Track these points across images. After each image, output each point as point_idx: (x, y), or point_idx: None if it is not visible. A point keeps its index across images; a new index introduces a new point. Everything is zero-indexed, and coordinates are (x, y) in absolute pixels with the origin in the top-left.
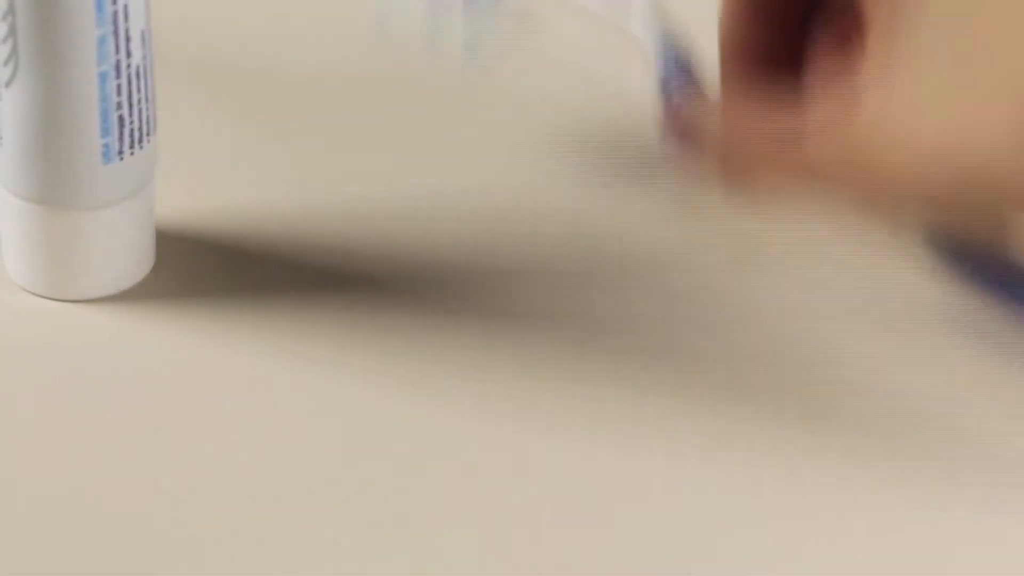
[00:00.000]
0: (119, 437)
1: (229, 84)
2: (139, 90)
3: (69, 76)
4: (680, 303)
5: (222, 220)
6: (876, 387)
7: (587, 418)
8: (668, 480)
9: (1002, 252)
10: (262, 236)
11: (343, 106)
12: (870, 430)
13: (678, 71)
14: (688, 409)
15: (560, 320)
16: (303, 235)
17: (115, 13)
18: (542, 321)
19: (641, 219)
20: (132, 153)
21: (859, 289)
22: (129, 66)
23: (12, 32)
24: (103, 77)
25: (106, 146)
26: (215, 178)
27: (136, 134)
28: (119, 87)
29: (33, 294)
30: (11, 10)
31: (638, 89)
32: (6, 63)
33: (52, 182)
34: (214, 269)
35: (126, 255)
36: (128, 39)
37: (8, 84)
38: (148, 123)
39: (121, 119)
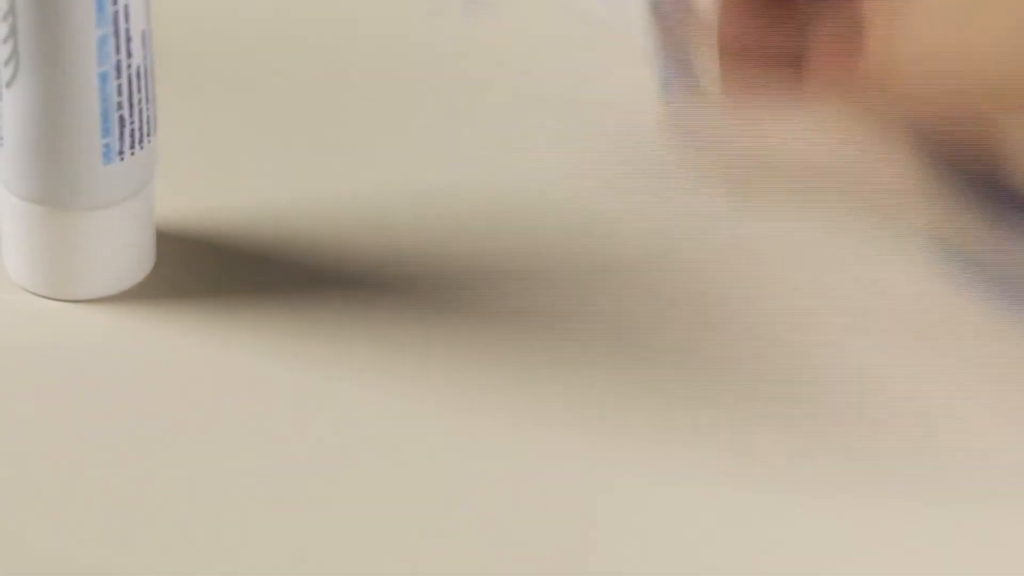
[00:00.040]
0: (119, 437)
1: (229, 85)
2: (140, 90)
3: (70, 77)
4: (679, 302)
5: (222, 220)
6: (880, 389)
7: (588, 417)
8: (668, 479)
9: (1001, 164)
10: (262, 236)
11: (343, 106)
12: (872, 430)
13: (678, 70)
14: (687, 408)
15: (561, 320)
16: (303, 235)
17: (116, 13)
18: (544, 321)
19: (641, 216)
20: (132, 153)
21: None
22: (130, 66)
23: (13, 33)
24: (104, 77)
25: (107, 146)
26: (215, 178)
27: (137, 134)
28: (120, 87)
29: (33, 294)
30: (12, 11)
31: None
32: (7, 63)
33: (53, 182)
34: (214, 269)
35: (126, 255)
36: (129, 39)
37: (9, 84)
38: (149, 123)
39: (122, 119)
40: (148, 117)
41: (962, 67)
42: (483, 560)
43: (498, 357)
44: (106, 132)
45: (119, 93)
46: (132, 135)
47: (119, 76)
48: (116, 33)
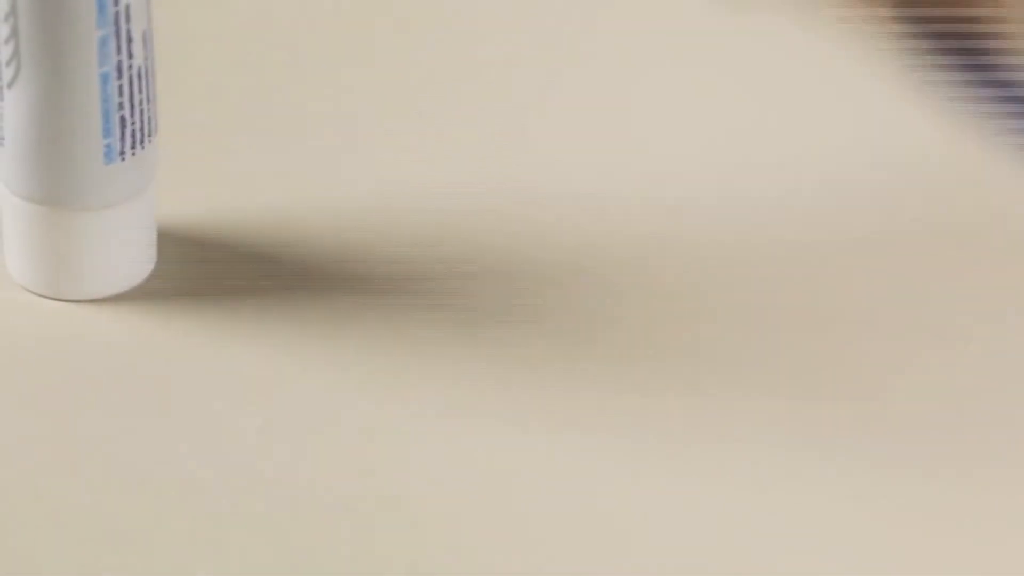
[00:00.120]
0: (120, 437)
1: (230, 85)
2: (141, 91)
3: (71, 77)
4: (678, 302)
5: (223, 221)
6: (884, 390)
7: (587, 418)
8: (667, 480)
9: (990, 46)
10: (263, 237)
11: (344, 106)
12: (873, 431)
13: None
14: (688, 408)
15: (563, 319)
16: (304, 235)
17: (117, 14)
18: (546, 320)
19: (637, 215)
20: (134, 154)
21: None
22: (131, 67)
23: (14, 33)
24: (105, 78)
25: (108, 147)
26: (216, 179)
27: (138, 135)
28: (121, 88)
29: (34, 294)
30: (13, 11)
31: None
32: (8, 64)
33: (54, 183)
34: (215, 270)
35: (127, 255)
36: (130, 40)
37: (10, 85)
38: (150, 124)
39: (123, 120)
40: (149, 118)
41: None
42: (482, 559)
43: (499, 357)
44: (107, 132)
45: (120, 94)
46: (133, 135)
47: (120, 77)
48: (117, 34)
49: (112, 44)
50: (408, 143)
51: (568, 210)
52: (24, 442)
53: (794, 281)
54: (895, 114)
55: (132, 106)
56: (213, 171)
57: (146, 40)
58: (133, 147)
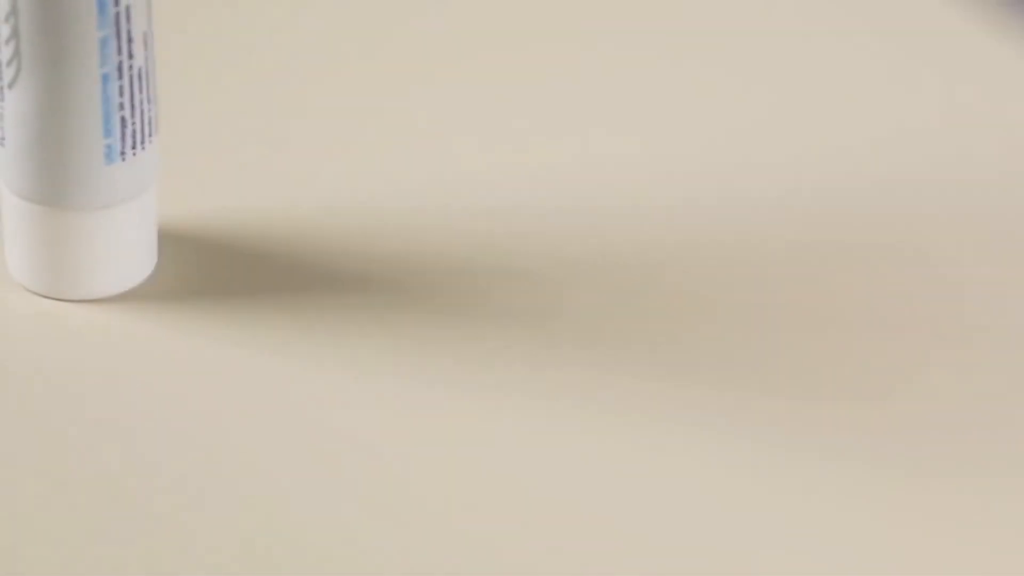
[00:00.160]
0: (120, 437)
1: (231, 85)
2: (141, 91)
3: (72, 78)
4: (678, 302)
5: (224, 221)
6: (891, 391)
7: (587, 418)
8: (667, 479)
9: None
10: (264, 236)
11: (344, 106)
12: (873, 431)
13: None
14: (688, 407)
15: (563, 319)
16: (304, 235)
17: (117, 15)
18: (546, 319)
19: (638, 214)
20: (134, 154)
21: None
22: (131, 67)
23: (15, 34)
24: (105, 79)
25: (108, 147)
26: (217, 179)
27: (138, 135)
28: (121, 88)
29: (35, 294)
30: (14, 12)
31: None
32: (9, 64)
33: (55, 183)
34: (216, 270)
35: (128, 255)
36: (130, 41)
37: (11, 85)
38: (150, 124)
39: (123, 120)
40: (150, 118)
41: None
42: (481, 559)
43: (500, 356)
44: (108, 133)
45: (121, 94)
46: (134, 136)
47: (121, 77)
48: (118, 34)
49: (113, 45)
50: (408, 143)
51: (568, 210)
52: (23, 442)
53: (794, 281)
54: (895, 114)
55: (132, 106)
56: (213, 171)
57: (147, 41)
58: (133, 147)
